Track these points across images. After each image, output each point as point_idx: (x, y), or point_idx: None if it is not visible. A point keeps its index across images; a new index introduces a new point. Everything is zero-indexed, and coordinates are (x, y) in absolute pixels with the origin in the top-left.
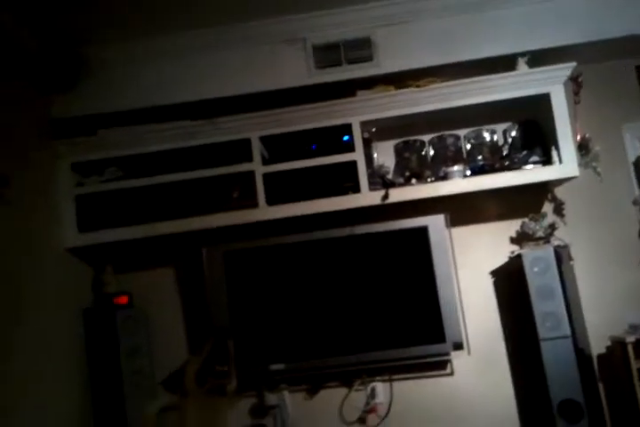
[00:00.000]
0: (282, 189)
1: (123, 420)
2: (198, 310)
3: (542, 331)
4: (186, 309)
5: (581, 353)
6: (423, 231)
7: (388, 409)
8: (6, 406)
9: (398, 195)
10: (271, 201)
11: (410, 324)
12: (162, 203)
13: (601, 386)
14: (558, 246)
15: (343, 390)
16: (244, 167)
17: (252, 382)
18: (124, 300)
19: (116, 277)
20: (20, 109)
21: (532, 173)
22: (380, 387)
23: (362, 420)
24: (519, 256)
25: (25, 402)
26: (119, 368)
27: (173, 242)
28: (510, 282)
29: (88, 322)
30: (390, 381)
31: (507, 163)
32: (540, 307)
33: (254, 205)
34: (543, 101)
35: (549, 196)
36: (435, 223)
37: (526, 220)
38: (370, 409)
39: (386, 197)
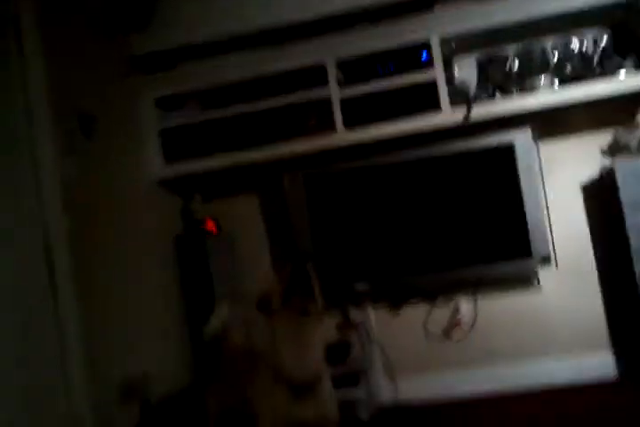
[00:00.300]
0: (359, 113)
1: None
2: (282, 234)
3: (635, 243)
4: (270, 234)
5: None
6: (509, 147)
7: (473, 324)
8: (109, 334)
9: (482, 111)
10: (349, 125)
11: (495, 239)
12: (242, 133)
13: None
14: None
15: (427, 307)
16: (320, 92)
17: (337, 301)
18: (212, 226)
19: (203, 206)
20: (100, 49)
21: (624, 83)
22: (465, 303)
23: (446, 334)
24: (611, 168)
25: (125, 325)
26: (212, 291)
27: (257, 170)
28: (602, 195)
29: (180, 248)
30: (475, 297)
31: (598, 71)
32: (633, 220)
33: (332, 129)
34: (636, 2)
35: None
36: (521, 138)
37: (618, 130)
38: (454, 324)
39: (469, 113)
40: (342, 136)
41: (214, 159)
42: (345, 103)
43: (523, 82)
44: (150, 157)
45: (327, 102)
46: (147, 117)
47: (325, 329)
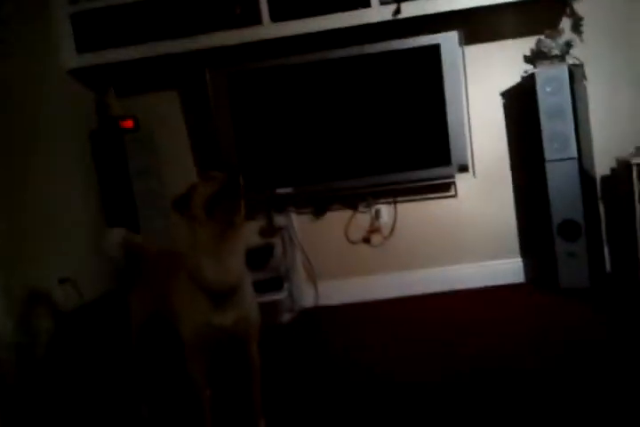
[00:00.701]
0: (287, 4)
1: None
2: (204, 133)
3: (549, 152)
4: (191, 132)
5: (586, 175)
6: (435, 49)
7: (392, 229)
8: (26, 232)
9: (411, 9)
10: (276, 18)
11: (416, 146)
12: (162, 21)
13: (601, 207)
14: (573, 65)
15: (348, 213)
16: None
17: (261, 205)
18: (129, 123)
19: (120, 101)
20: None
21: None
22: (385, 209)
23: (366, 240)
24: (532, 75)
25: (42, 226)
26: (131, 188)
27: (176, 64)
28: (521, 102)
29: (95, 145)
30: (394, 203)
31: None
32: (548, 127)
33: (258, 21)
34: None
35: (568, 11)
36: (447, 41)
37: (542, 37)
38: (374, 229)
39: (398, 11)
40: (268, 29)
41: (129, 49)
42: None
43: None
44: (61, 44)
45: None
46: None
47: (248, 234)
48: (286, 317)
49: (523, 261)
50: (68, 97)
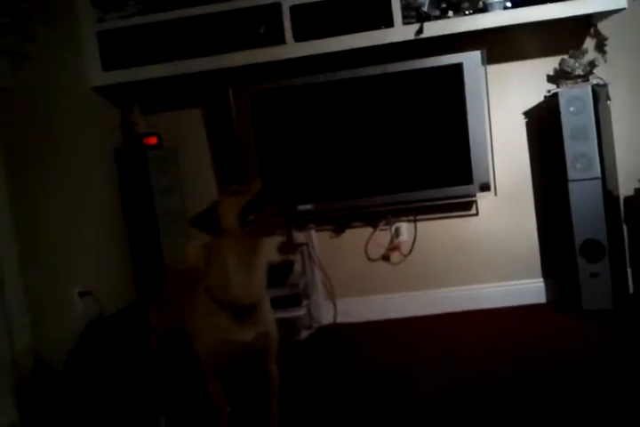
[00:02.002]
0: (310, 23)
1: (158, 255)
2: (226, 150)
3: (572, 172)
4: (214, 150)
5: (609, 195)
6: (458, 68)
7: (412, 247)
8: (49, 246)
9: (433, 29)
10: (299, 37)
11: (438, 165)
12: (187, 40)
13: (625, 228)
14: (597, 85)
15: (368, 230)
16: None
17: (281, 222)
18: (153, 140)
19: (144, 118)
20: None
21: (577, 5)
22: (405, 227)
23: (386, 258)
24: (555, 95)
25: (66, 239)
26: (153, 206)
27: (200, 82)
28: (544, 122)
29: (120, 162)
30: (415, 221)
31: None
32: (572, 148)
33: (281, 41)
34: None
35: (592, 31)
36: (470, 60)
37: (565, 57)
38: (393, 247)
39: (420, 31)
40: (291, 49)
41: (155, 67)
42: (295, 12)
43: (476, 1)
44: (87, 62)
45: (277, 9)
46: (83, 18)
47: (269, 249)
48: (304, 334)
49: (544, 281)
50: (93, 114)
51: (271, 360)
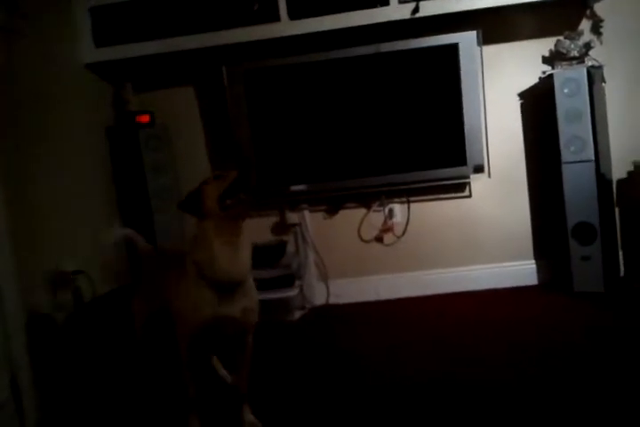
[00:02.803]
0: (305, 1)
1: (151, 232)
2: (219, 129)
3: (566, 154)
4: (207, 128)
5: (602, 178)
6: (453, 49)
7: (405, 229)
8: (39, 224)
9: (429, 8)
10: (294, 15)
11: (432, 146)
12: (180, 17)
13: (617, 211)
14: (592, 67)
15: (362, 211)
16: None
17: (274, 202)
18: (145, 118)
19: (137, 96)
20: None
21: None
22: (398, 208)
23: (379, 238)
24: (550, 76)
25: (57, 218)
26: (145, 184)
27: (193, 60)
28: (538, 104)
29: (112, 140)
30: (408, 202)
31: None
32: (566, 130)
33: (276, 18)
34: None
35: (588, 12)
36: (466, 40)
37: (561, 38)
38: (387, 228)
39: (416, 10)
40: (286, 27)
41: (147, 44)
42: None
43: None
44: (79, 38)
45: None
46: None
47: (261, 230)
48: (297, 314)
49: (536, 263)
50: (85, 91)
51: (250, 334)
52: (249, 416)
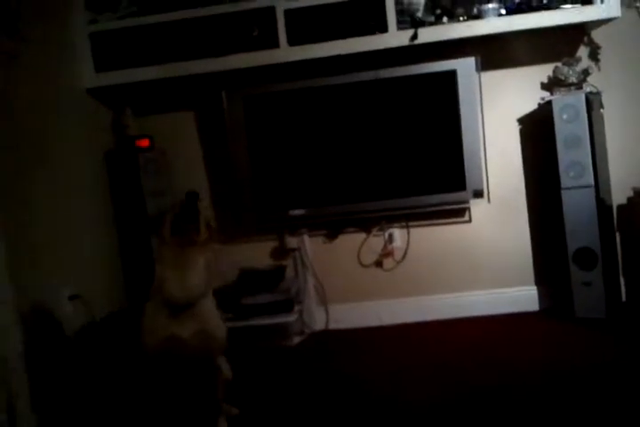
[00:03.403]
0: (304, 28)
1: (149, 258)
2: (218, 153)
3: (565, 180)
4: (206, 152)
5: (602, 203)
6: (452, 75)
7: (405, 254)
8: (38, 246)
9: (428, 35)
10: (293, 41)
11: (431, 171)
12: (180, 42)
13: (618, 236)
14: (590, 93)
15: (361, 236)
16: (265, 2)
17: (273, 227)
18: (145, 143)
19: (136, 121)
20: None
21: (571, 13)
22: (398, 233)
23: (379, 263)
24: (549, 102)
25: (55, 241)
26: (144, 207)
27: (193, 85)
28: (537, 129)
29: (111, 164)
30: (408, 227)
31: (545, 1)
32: (565, 155)
33: (275, 44)
34: None
35: (586, 39)
36: (464, 67)
37: (559, 64)
38: (386, 253)
39: (415, 37)
40: (285, 53)
41: (147, 70)
42: (290, 15)
43: (470, 8)
44: (79, 63)
45: (272, 13)
46: (76, 19)
47: (211, 253)
48: (296, 339)
49: (537, 289)
50: (85, 115)
51: (217, 357)
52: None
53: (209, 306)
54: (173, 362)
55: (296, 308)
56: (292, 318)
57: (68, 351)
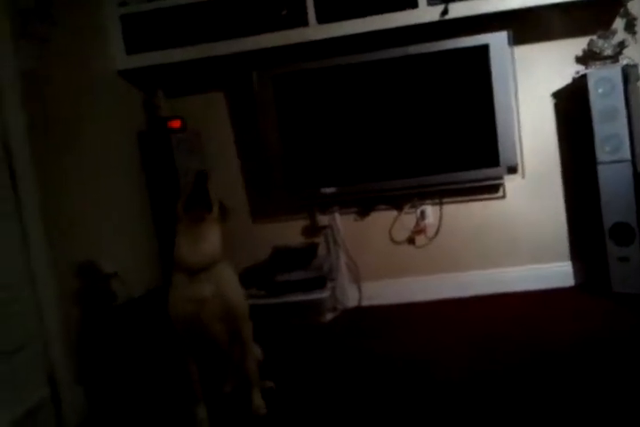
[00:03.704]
0: (333, 5)
1: None
2: (250, 133)
3: (601, 154)
4: (237, 132)
5: (639, 177)
6: (484, 50)
7: (437, 230)
8: (76, 226)
9: (459, 10)
10: (322, 19)
11: (464, 147)
12: (210, 23)
13: None
14: (627, 66)
15: (393, 213)
16: None
17: (304, 205)
18: (177, 123)
19: (168, 102)
20: None
21: None
22: (430, 210)
23: (411, 240)
24: (584, 76)
25: (92, 222)
26: (177, 189)
27: (223, 65)
28: (572, 104)
29: (143, 145)
30: (440, 204)
31: None
32: (601, 129)
33: (304, 23)
34: None
35: (622, 11)
36: (497, 41)
37: (594, 37)
38: (419, 230)
39: (445, 11)
40: (314, 31)
41: (178, 51)
42: None
43: None
44: (111, 46)
45: None
46: (106, 1)
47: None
48: (329, 316)
49: (572, 264)
50: (117, 97)
51: (240, 320)
52: (257, 400)
53: (226, 271)
54: (200, 329)
55: (329, 285)
56: (324, 294)
57: (109, 327)
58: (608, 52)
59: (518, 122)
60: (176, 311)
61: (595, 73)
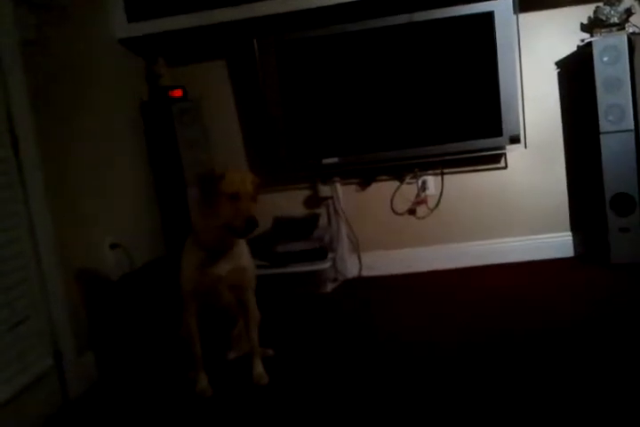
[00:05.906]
0: None
1: (185, 206)
2: (251, 102)
3: (604, 124)
4: (239, 102)
5: None
6: (488, 17)
7: (438, 201)
8: (77, 197)
9: None
10: None
11: (466, 117)
12: None
13: None
14: (633, 34)
15: (395, 184)
16: None
17: (306, 175)
18: (178, 93)
19: (169, 71)
20: None
21: None
22: (432, 180)
23: (412, 211)
24: (589, 44)
25: (94, 192)
26: (179, 157)
27: (225, 33)
28: (576, 72)
29: (145, 114)
30: (442, 174)
31: None
32: (604, 99)
33: None
34: None
35: None
36: (501, 8)
37: (600, 4)
38: (420, 201)
39: None
40: None
41: (179, 19)
42: None
43: None
44: (112, 14)
45: None
46: None
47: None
48: (330, 286)
49: (572, 235)
50: (118, 66)
51: (248, 289)
52: (258, 369)
53: (241, 247)
54: (212, 300)
55: (330, 255)
56: (325, 265)
57: (113, 295)
58: (614, 19)
59: (522, 91)
60: (191, 285)
61: (600, 41)
